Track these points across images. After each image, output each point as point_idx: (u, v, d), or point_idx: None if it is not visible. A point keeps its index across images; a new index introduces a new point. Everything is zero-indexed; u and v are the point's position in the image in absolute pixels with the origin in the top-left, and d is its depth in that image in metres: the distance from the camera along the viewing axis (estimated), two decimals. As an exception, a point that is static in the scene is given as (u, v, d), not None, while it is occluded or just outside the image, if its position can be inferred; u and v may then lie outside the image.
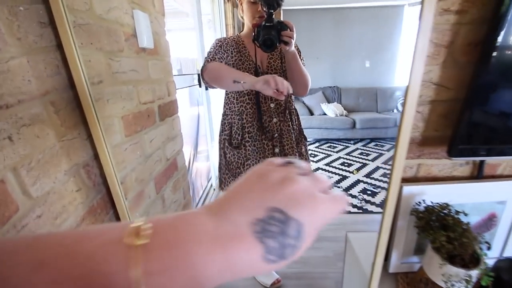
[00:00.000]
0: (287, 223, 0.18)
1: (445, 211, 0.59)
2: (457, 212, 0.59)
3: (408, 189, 0.65)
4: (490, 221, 0.69)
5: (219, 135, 1.21)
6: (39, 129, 0.47)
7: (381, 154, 3.29)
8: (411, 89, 0.47)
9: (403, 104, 0.49)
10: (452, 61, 0.55)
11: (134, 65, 0.80)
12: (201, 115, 2.40)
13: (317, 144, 3.80)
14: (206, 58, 1.03)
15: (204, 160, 2.38)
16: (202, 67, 0.99)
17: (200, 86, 2.02)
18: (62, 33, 0.51)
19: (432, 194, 0.65)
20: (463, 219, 0.59)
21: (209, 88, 1.14)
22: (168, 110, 1.06)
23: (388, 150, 3.43)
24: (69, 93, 0.55)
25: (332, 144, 3.78)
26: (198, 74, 1.93)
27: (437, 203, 0.62)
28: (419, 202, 0.64)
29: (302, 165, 0.23)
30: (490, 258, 0.69)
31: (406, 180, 0.68)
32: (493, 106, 0.53)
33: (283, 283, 1.37)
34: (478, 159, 0.58)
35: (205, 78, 0.98)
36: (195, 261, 0.16)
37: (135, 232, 0.16)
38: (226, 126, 1.16)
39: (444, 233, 0.54)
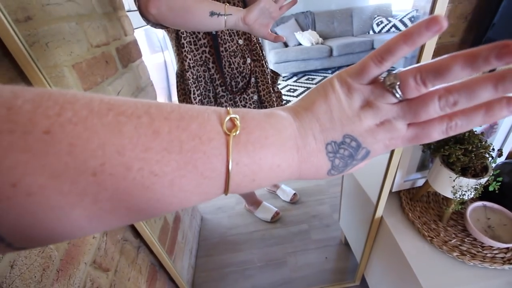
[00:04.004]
0: (358, 150, 0.20)
1: (457, 125, 0.56)
2: (470, 124, 0.56)
3: (417, 107, 0.60)
4: (491, 129, 0.69)
5: (187, 98, 0.90)
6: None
7: (359, 80, 3.26)
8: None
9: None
10: None
11: (69, -7, 0.60)
12: (168, 62, 2.11)
13: (295, 78, 3.66)
14: None
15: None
16: None
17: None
18: None
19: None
20: (476, 129, 0.57)
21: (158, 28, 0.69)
22: (129, 53, 0.88)
23: (366, 75, 3.39)
24: (-16, 35, 0.39)
25: (310, 76, 3.67)
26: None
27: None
28: (429, 119, 0.61)
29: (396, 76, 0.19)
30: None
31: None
32: None
33: (282, 215, 1.43)
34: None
35: (154, 12, 0.57)
36: (276, 162, 0.19)
37: (232, 122, 0.17)
38: (195, 83, 0.88)
39: (461, 146, 0.52)
